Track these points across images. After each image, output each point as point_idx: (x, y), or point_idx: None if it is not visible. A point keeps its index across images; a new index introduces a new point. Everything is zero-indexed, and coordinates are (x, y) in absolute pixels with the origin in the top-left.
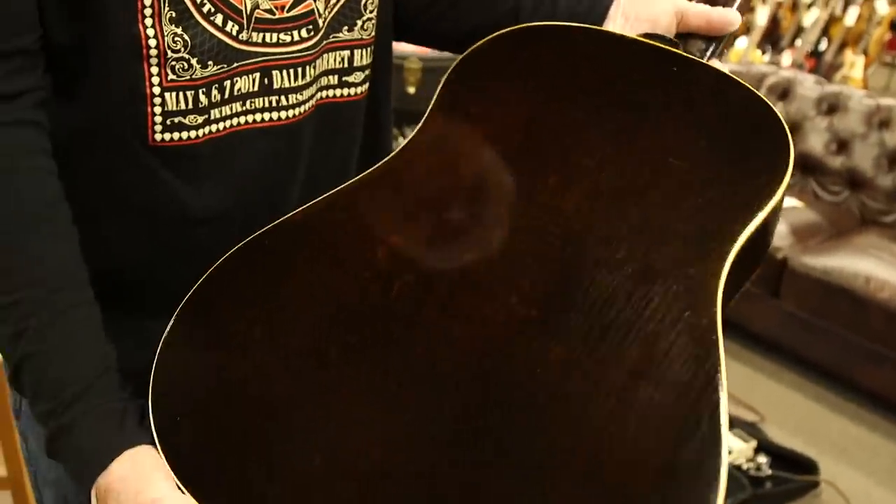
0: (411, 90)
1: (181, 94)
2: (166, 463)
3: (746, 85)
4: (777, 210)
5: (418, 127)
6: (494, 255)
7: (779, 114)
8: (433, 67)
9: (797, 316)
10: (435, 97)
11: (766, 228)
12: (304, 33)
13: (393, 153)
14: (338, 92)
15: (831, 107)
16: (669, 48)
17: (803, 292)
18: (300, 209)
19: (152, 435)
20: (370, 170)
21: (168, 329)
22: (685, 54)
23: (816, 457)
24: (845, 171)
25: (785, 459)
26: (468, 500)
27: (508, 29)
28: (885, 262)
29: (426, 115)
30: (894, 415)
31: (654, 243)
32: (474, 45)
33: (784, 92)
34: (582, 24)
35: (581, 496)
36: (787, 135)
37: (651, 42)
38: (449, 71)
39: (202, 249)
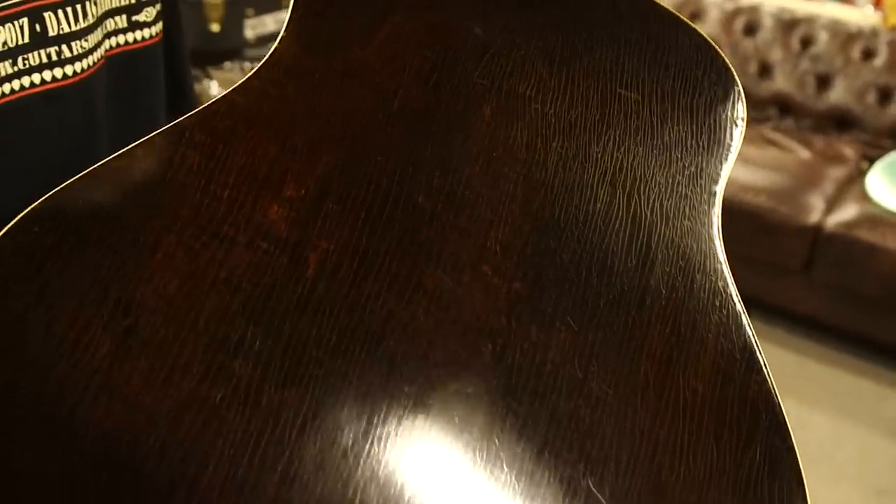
0: (215, 28)
1: None
2: None
3: (660, 4)
4: None
5: (274, 45)
6: (443, 210)
7: (703, 34)
8: (236, 0)
9: None
10: (291, 5)
11: None
12: None
13: (244, 81)
14: (129, 37)
15: None
16: None
17: None
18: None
19: None
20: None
21: None
22: None
23: None
24: None
25: None
26: None
27: None
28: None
29: (283, 30)
30: (766, 314)
31: (634, 191)
32: None
33: None
34: None
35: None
36: (724, 60)
37: None
38: None
39: None
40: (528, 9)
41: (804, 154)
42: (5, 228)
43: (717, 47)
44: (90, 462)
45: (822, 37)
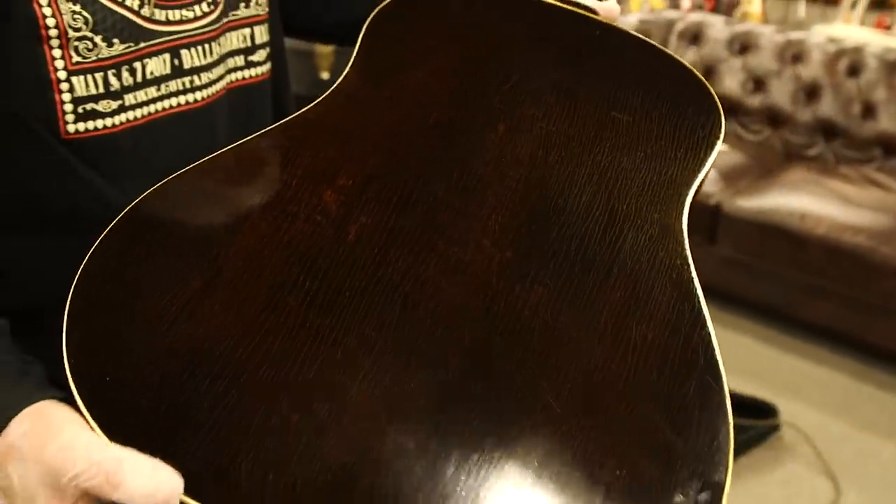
0: (325, 75)
1: (89, 76)
2: (87, 415)
3: (660, 47)
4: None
5: (342, 77)
6: (458, 200)
7: (695, 71)
8: (345, 50)
9: (736, 260)
10: (357, 47)
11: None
12: (204, 7)
13: (315, 103)
14: (245, 74)
15: (743, 46)
16: (587, 13)
17: (740, 236)
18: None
19: (68, 382)
20: (288, 119)
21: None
22: (603, 20)
23: (772, 398)
24: (765, 109)
25: (744, 407)
26: (471, 441)
27: None
28: (817, 196)
29: (349, 65)
30: (840, 345)
31: (615, 189)
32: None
33: (695, 36)
34: None
35: (590, 436)
36: (710, 91)
37: (569, 7)
38: (369, 20)
39: None
40: (546, 48)
41: None
42: (137, 200)
43: (703, 80)
44: (180, 361)
45: None
